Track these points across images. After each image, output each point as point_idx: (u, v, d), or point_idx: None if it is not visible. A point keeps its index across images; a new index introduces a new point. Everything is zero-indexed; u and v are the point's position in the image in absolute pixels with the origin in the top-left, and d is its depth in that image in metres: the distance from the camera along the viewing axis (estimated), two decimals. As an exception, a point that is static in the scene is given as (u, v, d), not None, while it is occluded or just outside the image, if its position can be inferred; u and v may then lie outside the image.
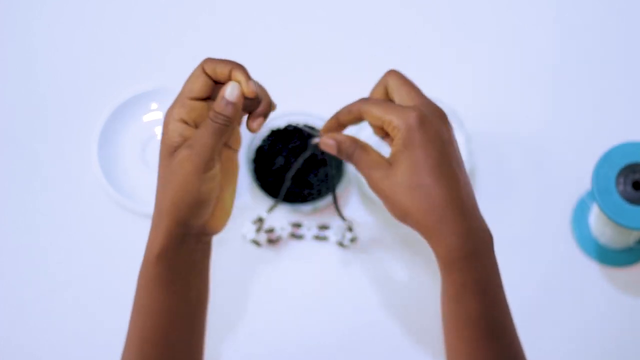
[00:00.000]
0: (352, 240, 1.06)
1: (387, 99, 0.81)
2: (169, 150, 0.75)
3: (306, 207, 1.07)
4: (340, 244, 1.07)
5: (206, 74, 0.77)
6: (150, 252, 0.77)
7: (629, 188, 0.94)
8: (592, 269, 1.07)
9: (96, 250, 1.10)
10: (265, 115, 0.80)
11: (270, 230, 1.07)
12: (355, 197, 1.10)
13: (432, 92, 1.12)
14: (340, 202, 1.10)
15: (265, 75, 1.16)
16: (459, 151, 0.78)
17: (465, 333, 0.76)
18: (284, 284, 1.08)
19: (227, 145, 0.79)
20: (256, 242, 1.06)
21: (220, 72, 0.77)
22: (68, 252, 1.09)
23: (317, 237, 1.08)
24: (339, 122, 0.81)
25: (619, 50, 1.16)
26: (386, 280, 1.07)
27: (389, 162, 0.76)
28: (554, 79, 1.15)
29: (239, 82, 0.76)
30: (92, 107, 1.14)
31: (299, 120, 1.09)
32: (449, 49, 1.17)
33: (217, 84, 0.78)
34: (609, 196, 0.94)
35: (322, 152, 0.83)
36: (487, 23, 1.18)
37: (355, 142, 0.79)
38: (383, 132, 0.80)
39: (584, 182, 1.07)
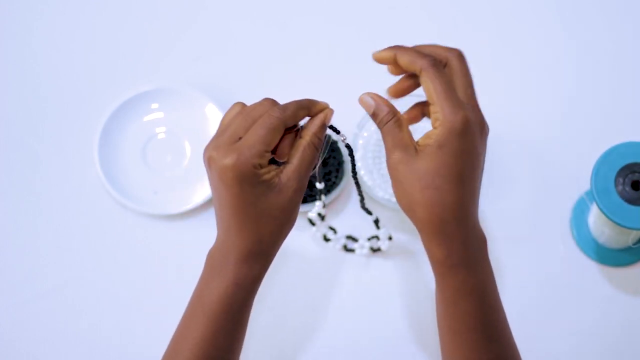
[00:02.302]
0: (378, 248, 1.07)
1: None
2: (263, 188, 0.73)
3: (307, 207, 1.07)
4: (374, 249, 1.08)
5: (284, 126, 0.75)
6: (248, 276, 0.76)
7: (628, 188, 0.94)
8: (591, 269, 1.07)
9: (96, 250, 1.10)
10: None
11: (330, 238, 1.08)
12: (355, 197, 1.10)
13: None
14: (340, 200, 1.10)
15: (265, 75, 1.17)
16: (484, 162, 0.76)
17: (463, 336, 0.76)
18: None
19: None
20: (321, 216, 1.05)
21: (303, 115, 0.76)
22: (68, 252, 1.09)
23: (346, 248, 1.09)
24: (397, 62, 0.77)
25: (619, 50, 1.16)
26: (383, 278, 1.08)
27: (416, 149, 0.74)
28: (553, 79, 1.15)
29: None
30: (93, 107, 1.14)
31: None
32: (449, 49, 1.17)
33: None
34: (608, 196, 0.94)
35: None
36: (488, 24, 1.18)
37: (393, 112, 0.76)
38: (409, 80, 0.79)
39: (583, 182, 1.07)
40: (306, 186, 0.75)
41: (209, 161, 0.73)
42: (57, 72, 1.17)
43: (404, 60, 0.76)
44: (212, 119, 1.12)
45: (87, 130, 1.13)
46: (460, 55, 0.78)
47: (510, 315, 0.79)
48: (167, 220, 1.10)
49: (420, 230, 0.75)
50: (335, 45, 1.17)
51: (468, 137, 0.73)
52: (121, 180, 1.11)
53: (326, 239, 1.07)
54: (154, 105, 1.13)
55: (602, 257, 1.07)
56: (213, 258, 0.77)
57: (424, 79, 0.75)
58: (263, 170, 0.73)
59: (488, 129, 0.76)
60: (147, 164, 1.12)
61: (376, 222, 1.03)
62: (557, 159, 1.11)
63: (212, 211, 1.05)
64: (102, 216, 1.11)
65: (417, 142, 0.75)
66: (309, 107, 0.77)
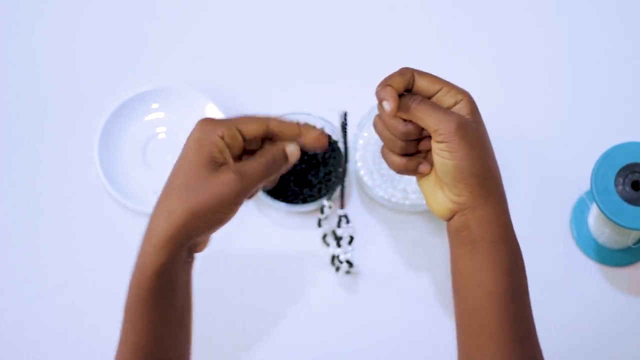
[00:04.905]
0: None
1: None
2: (208, 164, 0.74)
3: (307, 207, 1.07)
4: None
5: (269, 128, 0.77)
6: (144, 260, 0.75)
7: (628, 188, 0.94)
8: (590, 269, 1.07)
9: (96, 250, 1.09)
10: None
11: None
12: (355, 197, 1.11)
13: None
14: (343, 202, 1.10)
15: (265, 74, 1.17)
16: None
17: (523, 302, 0.77)
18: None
19: None
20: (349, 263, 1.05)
21: (289, 133, 0.78)
22: (68, 252, 1.09)
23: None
24: (393, 87, 0.78)
25: (619, 51, 1.16)
26: (383, 278, 1.08)
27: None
28: (553, 79, 1.15)
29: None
30: (93, 107, 1.14)
31: (298, 120, 1.09)
32: (451, 49, 1.17)
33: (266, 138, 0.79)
34: (608, 196, 0.94)
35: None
36: (488, 24, 1.18)
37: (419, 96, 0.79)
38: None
39: (583, 182, 1.07)
40: (245, 194, 0.75)
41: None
42: (57, 72, 1.17)
43: (399, 82, 0.78)
44: (212, 119, 1.12)
45: (87, 130, 1.13)
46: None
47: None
48: (167, 220, 1.10)
49: (492, 196, 0.77)
50: (335, 45, 1.17)
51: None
52: (121, 180, 1.11)
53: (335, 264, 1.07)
54: (154, 105, 1.13)
55: (602, 257, 1.07)
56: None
57: (424, 76, 0.79)
58: (216, 139, 0.74)
59: None
60: (147, 164, 1.12)
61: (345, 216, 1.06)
62: (557, 159, 1.11)
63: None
64: (102, 216, 1.10)
65: None
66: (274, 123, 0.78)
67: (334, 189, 1.07)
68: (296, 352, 1.05)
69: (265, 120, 0.77)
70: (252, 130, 0.76)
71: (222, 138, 0.74)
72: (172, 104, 1.13)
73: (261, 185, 0.77)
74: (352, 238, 1.04)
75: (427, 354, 1.05)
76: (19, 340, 1.07)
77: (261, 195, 1.07)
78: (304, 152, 1.06)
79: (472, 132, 0.76)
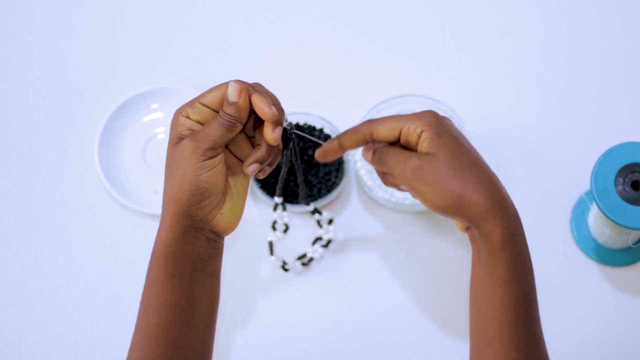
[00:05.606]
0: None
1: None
2: (175, 141, 0.78)
3: (306, 207, 1.07)
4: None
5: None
6: (155, 245, 0.79)
7: (628, 188, 0.94)
8: (591, 269, 1.07)
9: (96, 249, 1.09)
10: (262, 162, 0.80)
11: (303, 256, 1.07)
12: (355, 197, 1.11)
13: (433, 92, 1.12)
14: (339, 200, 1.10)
15: (265, 75, 1.16)
16: None
17: (512, 315, 0.76)
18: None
19: (236, 156, 0.82)
20: (285, 265, 1.07)
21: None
22: (68, 252, 1.09)
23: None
24: (341, 144, 0.82)
25: (619, 51, 1.16)
26: (384, 279, 1.08)
27: (424, 155, 0.78)
28: (553, 79, 1.15)
29: (258, 103, 0.78)
30: (93, 107, 1.14)
31: (298, 120, 1.10)
32: (451, 49, 1.17)
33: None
34: (608, 196, 0.94)
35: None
36: (489, 23, 1.18)
37: (385, 144, 0.81)
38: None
39: (583, 182, 1.07)
40: (199, 148, 0.77)
41: None
42: (58, 72, 1.17)
43: (350, 141, 0.82)
44: (212, 119, 1.12)
45: (87, 130, 1.13)
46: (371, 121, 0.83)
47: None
48: (167, 220, 1.10)
49: (473, 218, 0.77)
50: (336, 45, 1.17)
51: (443, 121, 0.79)
52: (121, 180, 1.11)
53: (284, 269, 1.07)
54: (154, 106, 1.13)
55: (602, 257, 1.07)
56: None
57: (381, 126, 0.80)
58: (182, 120, 0.78)
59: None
60: (147, 164, 1.12)
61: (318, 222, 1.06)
62: (557, 159, 1.11)
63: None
64: (102, 216, 1.10)
65: (420, 152, 0.79)
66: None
67: (333, 189, 1.07)
68: (296, 350, 1.06)
69: (224, 85, 0.79)
70: (211, 98, 0.79)
71: (188, 117, 0.78)
72: (172, 104, 1.12)
73: (224, 137, 0.77)
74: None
75: (428, 353, 1.05)
76: (19, 340, 1.07)
77: (261, 195, 1.07)
78: (303, 153, 1.07)
79: (426, 169, 0.77)
